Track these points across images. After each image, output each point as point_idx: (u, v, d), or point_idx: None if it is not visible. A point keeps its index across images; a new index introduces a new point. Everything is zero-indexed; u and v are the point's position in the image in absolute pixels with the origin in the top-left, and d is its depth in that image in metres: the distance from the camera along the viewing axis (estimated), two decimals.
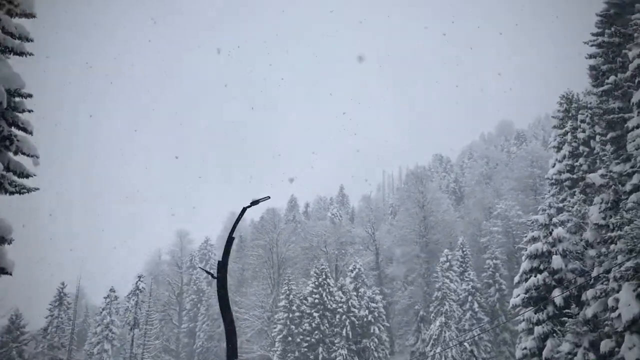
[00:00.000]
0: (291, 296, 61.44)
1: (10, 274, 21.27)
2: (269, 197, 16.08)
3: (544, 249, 30.74)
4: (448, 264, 61.08)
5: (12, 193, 21.77)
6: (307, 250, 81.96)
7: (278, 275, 75.36)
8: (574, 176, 40.38)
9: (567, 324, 27.48)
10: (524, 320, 31.65)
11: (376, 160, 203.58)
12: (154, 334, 75.04)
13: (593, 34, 38.42)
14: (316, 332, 59.39)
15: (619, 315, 21.88)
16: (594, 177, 27.98)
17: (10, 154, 21.39)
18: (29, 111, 21.77)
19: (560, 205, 36.23)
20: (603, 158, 31.88)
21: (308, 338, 59.30)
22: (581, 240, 29.58)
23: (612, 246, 24.65)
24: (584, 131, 41.06)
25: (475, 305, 58.61)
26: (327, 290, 61.60)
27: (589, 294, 25.95)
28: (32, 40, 21.28)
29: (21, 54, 21.18)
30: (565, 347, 27.19)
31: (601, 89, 36.89)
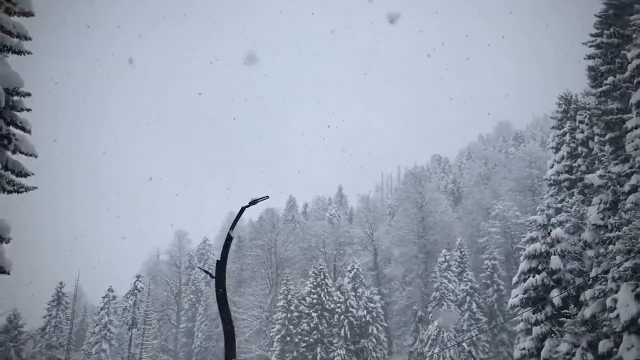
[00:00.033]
0: (289, 296, 61.43)
1: (8, 273, 21.24)
2: (268, 197, 16.07)
3: (543, 250, 30.74)
4: (446, 264, 61.11)
5: (10, 192, 21.74)
6: (305, 250, 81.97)
7: (276, 275, 75.34)
8: (573, 177, 40.40)
9: (565, 325, 27.49)
10: (522, 320, 31.65)
11: (375, 160, 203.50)
12: (152, 334, 74.97)
13: (592, 35, 38.44)
14: (314, 332, 59.38)
15: (618, 315, 21.89)
16: (593, 178, 27.99)
17: (9, 153, 21.35)
18: (28, 110, 21.75)
19: (559, 205, 36.24)
20: (602, 159, 31.90)
21: (306, 338, 59.29)
22: (579, 240, 29.60)
23: (611, 247, 24.66)
24: (582, 132, 41.07)
25: (474, 305, 58.66)
26: (326, 290, 61.61)
27: (587, 294, 25.97)
28: (30, 39, 21.24)
29: (19, 52, 21.14)
30: (564, 347, 27.21)
31: (600, 89, 36.91)
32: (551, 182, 42.52)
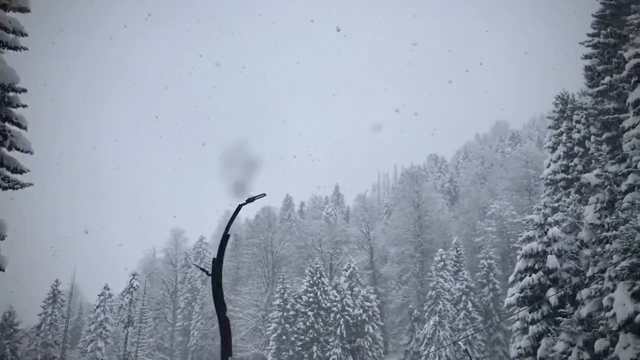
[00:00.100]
0: (286, 295, 61.41)
1: (4, 270, 21.16)
2: (265, 195, 16.00)
3: (539, 249, 30.77)
4: (442, 263, 61.15)
5: (5, 189, 21.66)
6: (301, 249, 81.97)
7: (273, 273, 75.30)
8: (569, 176, 40.47)
9: (561, 324, 27.53)
10: (518, 319, 31.69)
11: (371, 159, 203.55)
12: (148, 332, 74.85)
13: (589, 35, 38.50)
14: (310, 330, 59.36)
15: (614, 314, 21.91)
16: (590, 177, 28.01)
17: (4, 149, 21.28)
18: (23, 106, 21.66)
19: (556, 205, 36.28)
20: (598, 158, 31.97)
21: (302, 337, 59.28)
22: (576, 240, 29.65)
23: (607, 246, 24.67)
24: (579, 132, 41.15)
25: (469, 304, 58.72)
26: (322, 289, 61.60)
27: (583, 293, 25.99)
28: (26, 35, 21.15)
29: (15, 48, 21.05)
30: (560, 346, 27.24)
31: (596, 89, 36.97)
32: (548, 181, 42.58)
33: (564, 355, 27.00)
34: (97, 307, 68.20)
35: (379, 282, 77.88)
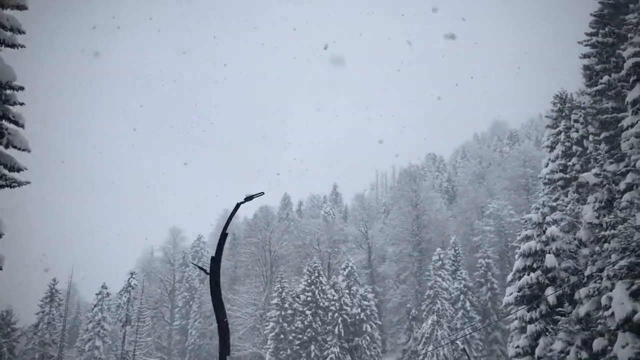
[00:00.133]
0: (284, 294, 61.38)
1: (0, 269, 21.08)
2: (263, 193, 15.99)
3: (538, 248, 30.74)
4: (440, 262, 61.15)
5: (2, 187, 21.56)
6: (300, 248, 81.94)
7: (271, 273, 75.30)
8: (567, 176, 40.45)
9: (559, 323, 27.50)
10: (516, 318, 31.67)
11: (370, 159, 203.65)
12: (146, 331, 74.73)
13: (587, 34, 38.57)
14: (308, 330, 59.35)
15: (612, 313, 21.89)
16: (588, 176, 28.01)
17: (1, 147, 21.18)
18: (21, 104, 21.55)
19: (554, 204, 36.27)
20: (597, 157, 31.95)
21: (300, 336, 59.27)
22: (574, 239, 29.64)
23: (606, 245, 24.66)
24: (577, 131, 41.11)
25: (467, 304, 58.75)
26: (320, 288, 61.58)
27: (582, 292, 25.98)
28: (24, 32, 21.05)
29: (13, 46, 20.95)
30: (558, 345, 27.22)
31: (595, 88, 37.05)
32: (546, 180, 42.58)
33: (562, 355, 26.97)
34: (95, 306, 68.08)
35: (377, 281, 77.88)
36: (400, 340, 63.42)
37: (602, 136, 35.45)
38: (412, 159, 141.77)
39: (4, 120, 21.18)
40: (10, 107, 21.45)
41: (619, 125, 30.22)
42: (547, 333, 29.18)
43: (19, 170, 21.54)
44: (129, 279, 71.90)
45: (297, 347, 58.88)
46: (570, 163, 40.65)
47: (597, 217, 26.60)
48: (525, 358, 30.37)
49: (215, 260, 14.76)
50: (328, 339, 58.65)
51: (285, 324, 59.74)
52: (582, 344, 26.16)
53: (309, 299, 61.00)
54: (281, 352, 58.57)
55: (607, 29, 36.43)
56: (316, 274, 62.37)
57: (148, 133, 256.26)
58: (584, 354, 25.73)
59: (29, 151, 21.40)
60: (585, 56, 38.53)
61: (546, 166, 43.01)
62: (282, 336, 59.28)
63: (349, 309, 60.33)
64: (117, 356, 69.13)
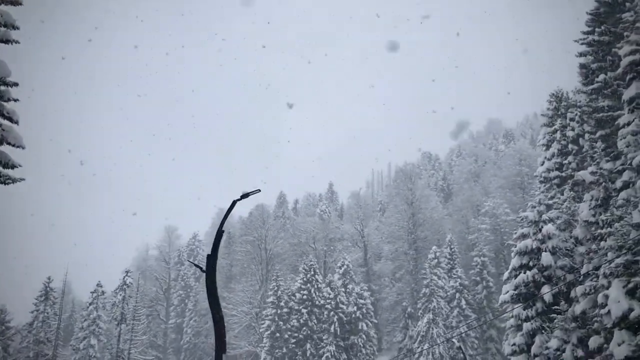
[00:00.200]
0: (279, 292, 61.29)
1: None
2: (259, 191, 15.94)
3: (534, 246, 30.75)
4: (436, 261, 61.17)
5: None
6: (295, 246, 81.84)
7: (266, 271, 75.17)
8: (563, 174, 40.47)
9: (555, 321, 27.52)
10: (512, 316, 31.68)
11: (365, 157, 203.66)
12: (141, 330, 74.54)
13: (583, 33, 38.54)
14: (304, 328, 59.28)
15: (609, 311, 21.90)
16: (584, 175, 28.03)
17: None
18: (15, 100, 21.37)
19: (550, 202, 36.31)
20: (593, 156, 31.97)
21: (296, 334, 59.20)
22: (571, 237, 29.65)
23: (602, 243, 24.67)
24: (573, 129, 41.12)
25: (463, 302, 58.84)
26: (316, 286, 61.52)
27: (578, 290, 25.99)
28: (18, 28, 20.86)
29: (7, 41, 20.77)
30: (554, 343, 27.24)
31: (591, 87, 37.05)
32: (542, 179, 42.60)
33: (558, 352, 27.00)
34: (90, 304, 67.85)
35: (372, 279, 77.87)
36: (396, 339, 63.46)
37: (598, 134, 35.46)
38: (408, 158, 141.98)
39: None
40: (4, 104, 21.27)
41: (615, 123, 30.23)
42: (543, 331, 29.20)
43: (13, 167, 21.35)
44: (124, 277, 71.71)
45: (293, 345, 58.82)
46: (566, 161, 40.67)
47: (594, 215, 26.63)
48: (521, 356, 30.38)
49: (212, 258, 14.69)
50: (324, 338, 58.60)
51: (281, 323, 59.66)
52: (578, 341, 26.20)
53: (304, 297, 60.94)
54: (277, 351, 58.49)
55: (603, 28, 36.43)
56: (312, 272, 62.30)
57: (144, 132, 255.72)
58: (580, 352, 25.77)
59: (23, 148, 21.22)
60: (581, 54, 38.52)
61: (542, 164, 43.02)
62: (277, 334, 59.20)
63: (344, 307, 60.28)
64: (112, 354, 68.97)
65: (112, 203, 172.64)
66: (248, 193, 15.55)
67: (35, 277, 71.65)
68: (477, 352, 56.89)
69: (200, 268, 14.50)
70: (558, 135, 41.91)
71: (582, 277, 26.71)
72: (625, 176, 27.27)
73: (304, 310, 60.06)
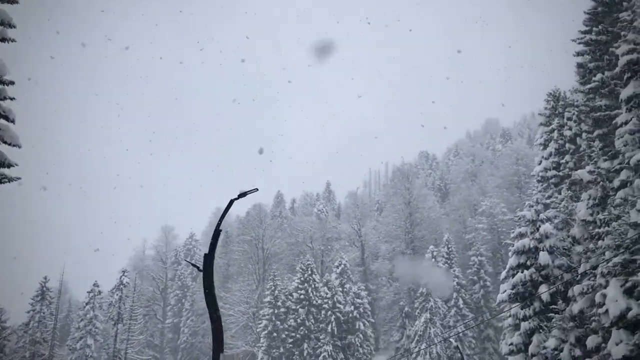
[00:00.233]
0: (276, 292, 61.21)
1: None
2: (257, 189, 15.89)
3: (531, 245, 30.74)
4: (433, 260, 61.15)
5: None
6: (292, 245, 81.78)
7: (263, 270, 75.09)
8: (560, 173, 40.46)
9: (553, 320, 27.50)
10: (510, 316, 31.66)
11: (363, 156, 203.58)
12: (138, 329, 74.41)
13: (581, 32, 38.55)
14: (301, 327, 59.23)
15: (606, 310, 21.88)
16: (582, 174, 28.03)
17: None
18: (11, 99, 21.25)
19: (547, 201, 36.32)
20: (591, 155, 31.97)
21: (293, 334, 59.15)
22: (568, 236, 29.64)
23: (600, 242, 24.65)
24: (570, 129, 41.10)
25: (460, 301, 58.88)
26: (313, 286, 61.46)
27: (575, 289, 25.98)
28: (14, 27, 20.73)
29: (3, 40, 20.65)
30: (552, 342, 27.23)
31: (588, 86, 37.04)
32: (539, 178, 42.58)
33: (556, 352, 26.99)
34: (87, 304, 67.66)
35: (370, 278, 77.84)
36: (393, 338, 63.45)
37: (595, 134, 35.48)
38: (405, 157, 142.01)
39: None
40: (1, 102, 21.16)
41: (613, 122, 30.25)
42: (540, 330, 29.19)
43: (9, 166, 21.24)
44: (121, 276, 71.49)
45: (290, 345, 58.76)
46: (563, 161, 40.65)
47: (591, 215, 26.62)
48: (518, 355, 30.38)
49: (209, 257, 14.63)
50: (321, 337, 58.55)
51: (278, 322, 59.60)
52: (576, 341, 26.19)
53: (302, 296, 60.88)
54: (274, 350, 58.42)
55: (600, 27, 36.46)
56: (309, 272, 62.25)
57: (143, 132, 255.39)
58: (578, 351, 25.76)
59: (19, 147, 21.10)
60: (578, 54, 38.53)
61: (539, 164, 42.99)
62: (275, 334, 59.14)
63: (342, 306, 60.25)
64: (109, 354, 68.77)
65: (108, 203, 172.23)
66: (246, 192, 15.51)
67: (31, 277, 71.43)
68: (475, 352, 56.92)
69: (198, 267, 14.44)
70: (555, 134, 41.89)
71: (579, 276, 26.70)
72: (623, 175, 27.28)
73: (301, 310, 60.00)
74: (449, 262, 62.28)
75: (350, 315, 59.85)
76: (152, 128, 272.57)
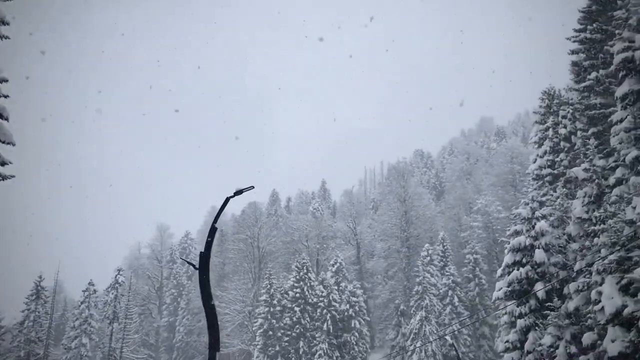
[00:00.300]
0: (272, 290, 61.17)
1: None
2: (253, 187, 15.81)
3: (527, 243, 30.77)
4: (429, 258, 61.17)
5: None
6: (288, 244, 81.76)
7: (259, 269, 75.02)
8: (555, 171, 40.58)
9: (549, 317, 27.53)
10: (506, 313, 31.70)
11: (358, 155, 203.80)
12: (134, 328, 74.23)
13: (575, 30, 38.67)
14: (297, 326, 59.21)
15: (602, 308, 21.91)
16: (577, 171, 28.07)
17: None
18: (5, 96, 21.09)
19: (543, 199, 36.40)
20: (586, 153, 32.09)
21: (289, 332, 59.12)
22: (564, 233, 29.68)
23: (595, 239, 24.71)
24: (565, 127, 41.21)
25: (456, 299, 58.94)
26: (308, 284, 61.45)
27: (571, 287, 26.02)
28: (8, 24, 20.58)
29: None
30: (547, 340, 27.27)
31: (583, 84, 37.16)
32: (534, 176, 42.69)
33: (552, 349, 27.03)
34: (82, 303, 67.44)
35: (365, 277, 77.92)
36: (388, 336, 63.51)
37: (590, 132, 35.58)
38: (400, 155, 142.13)
39: None
40: None
41: (608, 120, 30.32)
42: (536, 328, 29.24)
43: (3, 163, 21.11)
44: (116, 275, 71.33)
45: (286, 343, 58.74)
46: (558, 159, 40.77)
47: (587, 212, 26.68)
48: (514, 352, 30.42)
49: (205, 255, 14.56)
50: (317, 335, 58.55)
51: (274, 321, 59.57)
52: (572, 338, 26.23)
53: (297, 295, 60.85)
54: (270, 349, 58.39)
55: (595, 25, 36.55)
56: (305, 270, 62.22)
57: (142, 132, 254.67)
58: (574, 348, 25.80)
59: (13, 144, 20.95)
60: (573, 52, 38.64)
61: (534, 162, 43.11)
62: (270, 333, 59.10)
63: (337, 305, 60.25)
64: (104, 353, 68.64)
65: (103, 202, 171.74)
66: (241, 190, 15.43)
67: (26, 276, 71.02)
68: (470, 350, 57.02)
69: (194, 265, 14.37)
70: (550, 132, 42.00)
71: (575, 273, 26.76)
72: (619, 173, 27.36)
73: (296, 309, 59.97)
74: (444, 260, 62.37)
75: (346, 313, 59.86)
76: (152, 128, 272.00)
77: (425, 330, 54.62)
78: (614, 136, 27.50)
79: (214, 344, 13.50)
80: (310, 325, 59.73)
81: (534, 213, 31.82)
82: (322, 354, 56.60)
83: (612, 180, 27.89)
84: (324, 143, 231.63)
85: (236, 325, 68.64)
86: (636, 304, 20.64)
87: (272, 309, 60.07)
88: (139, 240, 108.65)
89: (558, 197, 32.42)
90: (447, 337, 52.02)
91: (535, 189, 40.92)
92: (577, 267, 26.47)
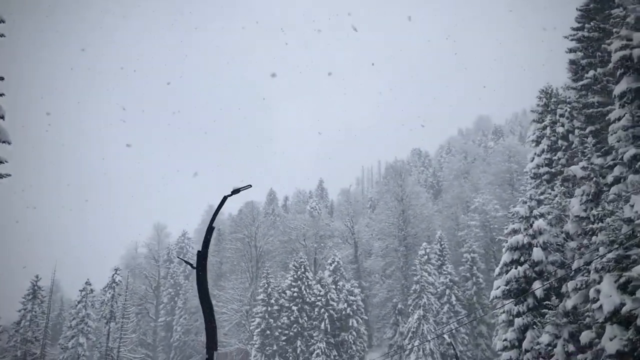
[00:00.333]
0: (270, 289, 61.09)
1: None
2: (250, 186, 15.73)
3: (525, 241, 30.75)
4: (426, 257, 61.18)
5: None
6: (285, 243, 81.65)
7: (256, 268, 74.91)
8: (552, 170, 40.57)
9: (547, 316, 27.52)
10: (504, 312, 31.67)
11: (356, 154, 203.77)
12: (131, 328, 74.06)
13: (573, 29, 38.61)
14: (295, 325, 59.15)
15: (600, 306, 21.86)
16: (575, 170, 28.03)
17: None
18: (1, 95, 20.94)
19: (541, 197, 36.38)
20: (583, 151, 32.02)
21: (286, 331, 59.06)
22: (562, 232, 29.64)
23: (593, 238, 24.66)
24: (562, 125, 41.20)
25: (453, 298, 58.94)
26: (306, 283, 61.39)
27: (569, 285, 25.99)
28: (3, 22, 20.43)
29: None
30: (545, 338, 27.24)
31: (580, 83, 37.10)
32: (532, 175, 42.68)
33: (550, 347, 27.00)
34: (79, 302, 67.26)
35: (363, 276, 77.84)
36: (386, 335, 63.49)
37: (587, 130, 35.54)
38: (398, 154, 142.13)
39: None
40: None
41: (606, 119, 30.28)
42: (534, 326, 29.22)
43: None
44: (113, 275, 71.13)
45: (284, 342, 58.67)
46: (555, 157, 40.76)
47: (585, 210, 26.62)
48: (512, 351, 30.40)
49: (202, 254, 14.47)
50: (314, 335, 58.50)
51: (272, 320, 59.49)
52: (570, 336, 26.20)
53: (295, 294, 60.78)
54: (267, 348, 58.32)
55: (592, 24, 36.49)
56: (302, 270, 62.15)
57: (141, 132, 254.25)
58: (572, 347, 25.76)
59: (9, 143, 20.81)
60: (571, 51, 38.58)
61: (532, 160, 43.08)
62: (268, 332, 59.02)
63: (335, 304, 60.20)
64: (101, 353, 68.42)
65: (100, 202, 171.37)
66: (239, 188, 15.35)
67: (24, 276, 70.83)
68: (467, 348, 57.01)
69: (191, 264, 14.28)
70: (548, 131, 41.99)
71: (573, 272, 26.71)
72: (617, 171, 27.33)
73: (294, 308, 59.91)
74: (441, 259, 62.36)
75: (344, 312, 59.82)
76: (151, 128, 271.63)
77: (423, 329, 54.59)
78: (611, 134, 27.47)
79: (212, 343, 13.42)
80: (307, 325, 59.68)
81: (531, 211, 31.78)
82: (320, 353, 56.56)
83: (610, 178, 27.86)
84: (322, 142, 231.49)
85: (234, 325, 68.54)
86: (634, 302, 20.59)
87: (269, 308, 59.99)
88: (136, 239, 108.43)
89: (556, 196, 32.39)
90: (445, 336, 52.07)
91: (533, 188, 40.89)
92: (575, 265, 26.43)
